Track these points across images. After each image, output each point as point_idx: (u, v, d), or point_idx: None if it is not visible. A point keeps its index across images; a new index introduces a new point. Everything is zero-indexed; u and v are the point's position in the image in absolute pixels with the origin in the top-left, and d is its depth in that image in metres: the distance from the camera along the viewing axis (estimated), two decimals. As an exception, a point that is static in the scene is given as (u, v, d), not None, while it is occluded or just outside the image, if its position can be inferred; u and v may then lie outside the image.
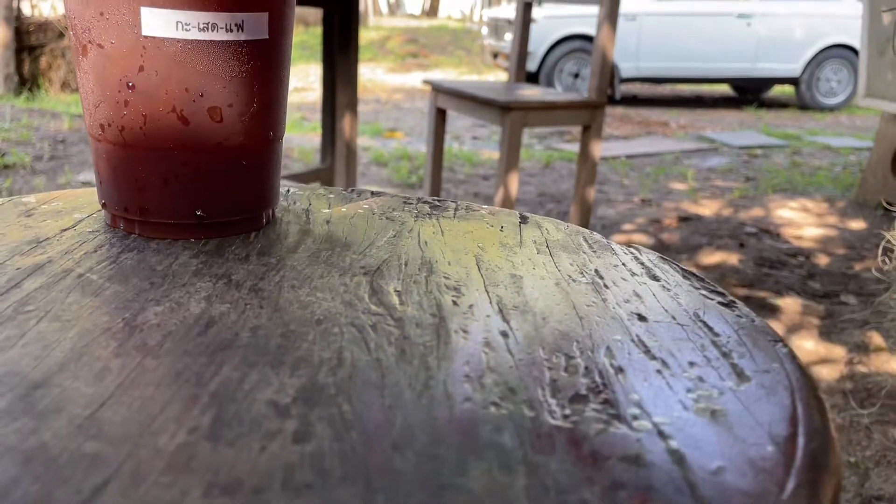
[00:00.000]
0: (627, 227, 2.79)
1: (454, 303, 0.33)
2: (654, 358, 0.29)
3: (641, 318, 0.33)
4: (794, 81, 6.61)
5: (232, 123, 0.38)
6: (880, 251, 1.22)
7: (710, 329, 0.32)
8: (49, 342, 0.27)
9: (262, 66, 0.38)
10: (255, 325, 0.30)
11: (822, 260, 2.46)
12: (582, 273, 0.38)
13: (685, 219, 2.91)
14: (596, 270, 0.38)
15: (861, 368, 1.72)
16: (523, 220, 0.47)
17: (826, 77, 6.56)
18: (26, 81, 5.04)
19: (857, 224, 2.87)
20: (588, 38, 6.14)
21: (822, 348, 1.82)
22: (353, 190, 0.52)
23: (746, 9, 6.29)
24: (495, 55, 6.85)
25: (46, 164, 3.10)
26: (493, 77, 7.88)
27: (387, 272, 0.36)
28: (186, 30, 0.35)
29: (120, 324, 0.29)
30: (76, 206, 0.44)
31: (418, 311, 0.32)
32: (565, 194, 3.25)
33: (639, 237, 2.66)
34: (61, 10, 5.52)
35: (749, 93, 7.24)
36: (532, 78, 6.33)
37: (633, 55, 6.24)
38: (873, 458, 1.43)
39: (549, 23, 6.08)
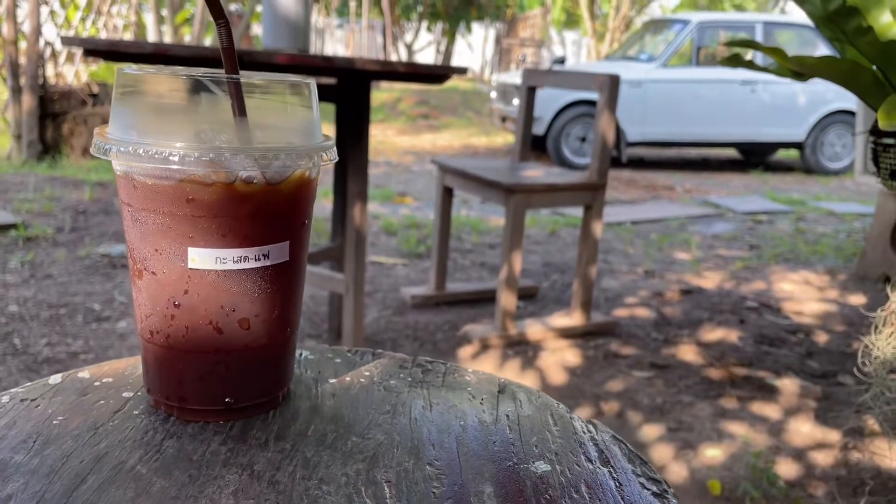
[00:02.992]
0: (630, 300, 2.85)
1: (434, 494, 0.41)
2: (590, 558, 0.36)
3: (587, 511, 0.40)
4: (798, 146, 6.72)
5: (257, 329, 0.46)
6: (860, 354, 1.29)
7: (641, 525, 0.39)
8: (114, 547, 0.35)
9: (284, 282, 0.47)
10: (273, 525, 0.38)
11: (822, 337, 2.51)
12: (543, 457, 0.45)
13: (687, 292, 2.98)
14: (556, 454, 0.46)
15: (856, 454, 1.76)
16: (501, 390, 0.54)
17: (830, 142, 6.67)
18: (49, 148, 5.23)
19: (857, 299, 2.93)
20: (594, 104, 6.30)
21: (819, 432, 1.87)
22: (357, 351, 0.60)
23: (750, 76, 6.44)
24: (504, 119, 7.02)
25: (68, 236, 3.22)
26: (502, 140, 8.05)
27: (381, 460, 0.44)
28: (223, 263, 0.44)
29: (167, 525, 0.37)
30: (124, 383, 0.52)
31: (405, 505, 0.40)
32: (569, 264, 3.32)
33: (641, 311, 2.72)
34: (85, 79, 5.74)
35: (754, 156, 7.35)
36: (540, 141, 6.47)
37: (638, 120, 6.39)
38: (864, 547, 1.46)
39: (556, 88, 6.25)
